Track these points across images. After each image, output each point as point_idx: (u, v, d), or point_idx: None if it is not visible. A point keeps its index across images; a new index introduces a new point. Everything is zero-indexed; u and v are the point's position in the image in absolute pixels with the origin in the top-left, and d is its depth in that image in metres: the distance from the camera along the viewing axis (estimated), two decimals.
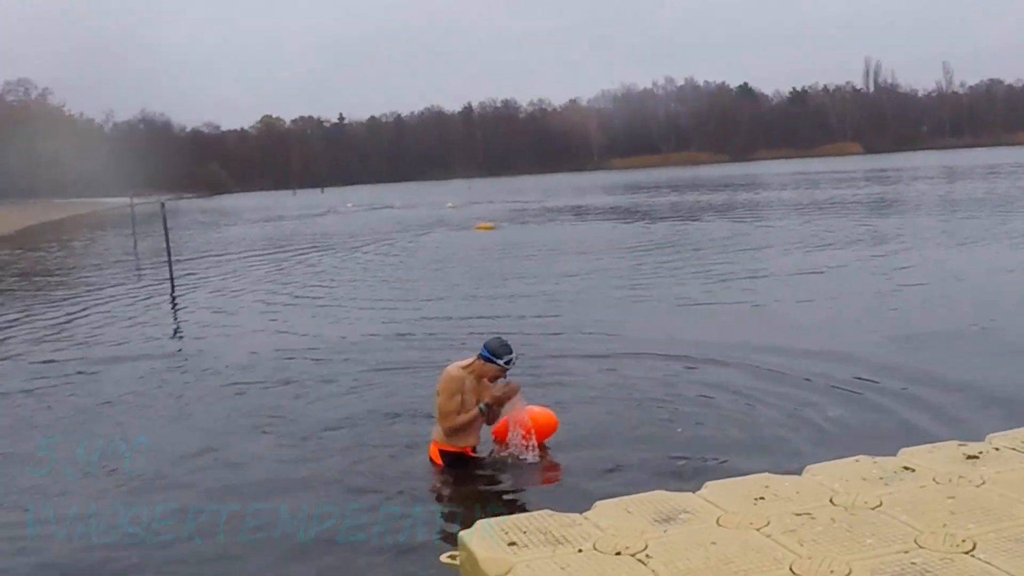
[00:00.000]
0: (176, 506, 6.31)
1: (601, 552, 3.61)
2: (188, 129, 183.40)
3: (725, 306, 14.18)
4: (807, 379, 9.00)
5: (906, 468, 4.26)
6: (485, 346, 6.67)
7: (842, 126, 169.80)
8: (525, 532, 3.82)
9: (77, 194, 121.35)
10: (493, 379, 6.66)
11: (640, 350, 10.77)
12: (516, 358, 6.69)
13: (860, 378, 8.92)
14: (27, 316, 16.83)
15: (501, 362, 6.57)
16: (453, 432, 6.60)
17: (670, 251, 22.27)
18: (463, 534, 3.88)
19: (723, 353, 10.30)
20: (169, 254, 18.16)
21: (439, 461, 6.69)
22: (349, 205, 65.63)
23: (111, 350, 12.69)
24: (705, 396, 8.58)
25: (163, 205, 19.27)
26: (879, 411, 7.84)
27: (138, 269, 24.52)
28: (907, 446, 4.61)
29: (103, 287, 20.74)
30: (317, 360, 11.16)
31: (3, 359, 12.49)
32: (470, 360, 6.71)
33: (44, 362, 11.99)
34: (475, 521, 3.99)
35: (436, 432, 6.77)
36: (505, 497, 6.35)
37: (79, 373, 11.06)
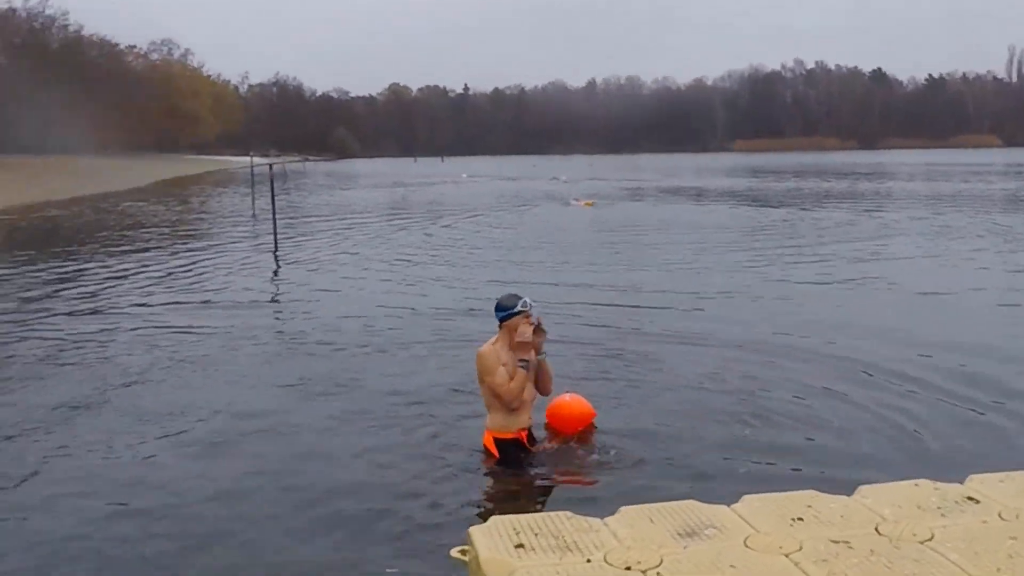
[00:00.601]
0: (208, 468, 6.31)
1: (610, 565, 3.32)
2: (319, 93, 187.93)
3: (829, 296, 13.46)
4: (904, 383, 8.36)
5: (970, 499, 3.80)
6: (496, 307, 6.31)
7: (980, 117, 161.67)
8: (537, 534, 3.56)
9: (213, 152, 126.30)
10: (519, 339, 6.23)
11: (729, 339, 10.25)
12: (530, 303, 6.25)
13: (960, 389, 8.22)
14: (140, 267, 17.44)
15: (516, 310, 6.17)
16: (508, 408, 6.22)
17: (775, 237, 21.38)
18: (473, 530, 3.66)
19: (819, 347, 9.72)
20: (274, 214, 18.50)
21: (495, 451, 6.33)
22: (464, 176, 66.10)
23: (200, 305, 13.00)
24: (788, 394, 8.00)
25: (271, 167, 19.70)
26: (970, 428, 7.17)
27: (252, 227, 25.10)
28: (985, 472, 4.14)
29: (212, 242, 21.40)
30: (399, 328, 11.10)
31: (107, 308, 12.91)
32: (499, 334, 6.30)
33: (130, 314, 12.35)
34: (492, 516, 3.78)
35: (489, 420, 6.42)
36: (535, 490, 6.07)
37: (166, 327, 11.30)
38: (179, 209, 34.14)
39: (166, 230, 24.96)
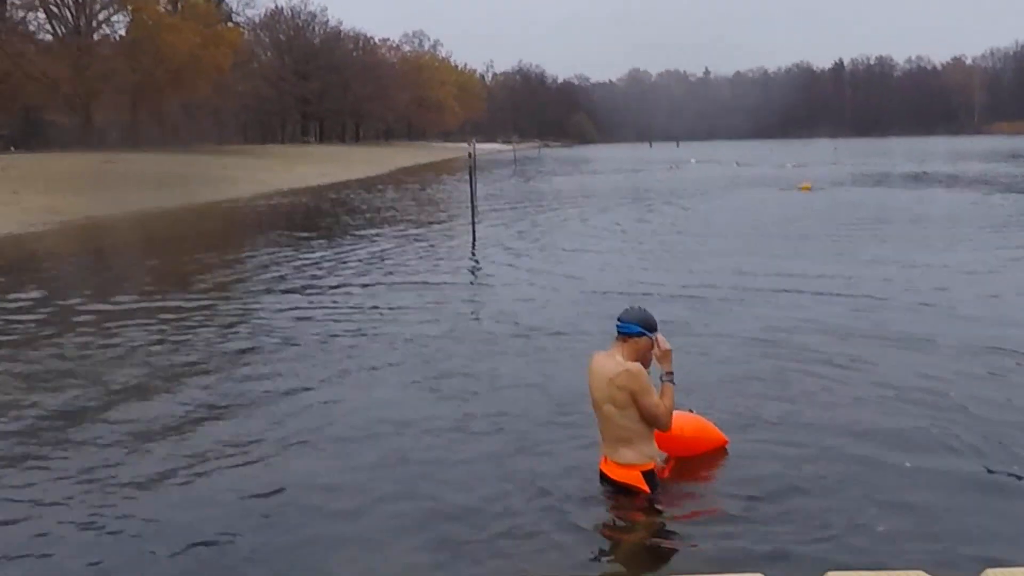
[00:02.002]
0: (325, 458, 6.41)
1: None
2: (560, 80, 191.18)
3: None
4: None
5: None
6: (633, 320, 5.43)
7: None
8: None
9: (458, 139, 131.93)
10: (647, 357, 5.49)
11: (972, 342, 9.04)
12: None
13: None
14: (350, 249, 19.08)
15: (654, 335, 5.45)
16: (660, 430, 5.48)
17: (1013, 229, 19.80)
18: None
19: None
20: (473, 197, 19.51)
21: (645, 486, 5.38)
22: (692, 161, 65.50)
23: (382, 288, 13.86)
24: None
25: (470, 155, 20.64)
26: None
27: (464, 213, 26.44)
28: None
29: (418, 227, 22.86)
30: (569, 317, 10.94)
31: (299, 287, 14.37)
32: (615, 349, 5.45)
33: (318, 294, 13.55)
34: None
35: (635, 452, 5.41)
36: (680, 540, 5.09)
37: (347, 309, 12.10)
38: (399, 196, 36.27)
39: (378, 216, 26.82)
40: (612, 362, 5.32)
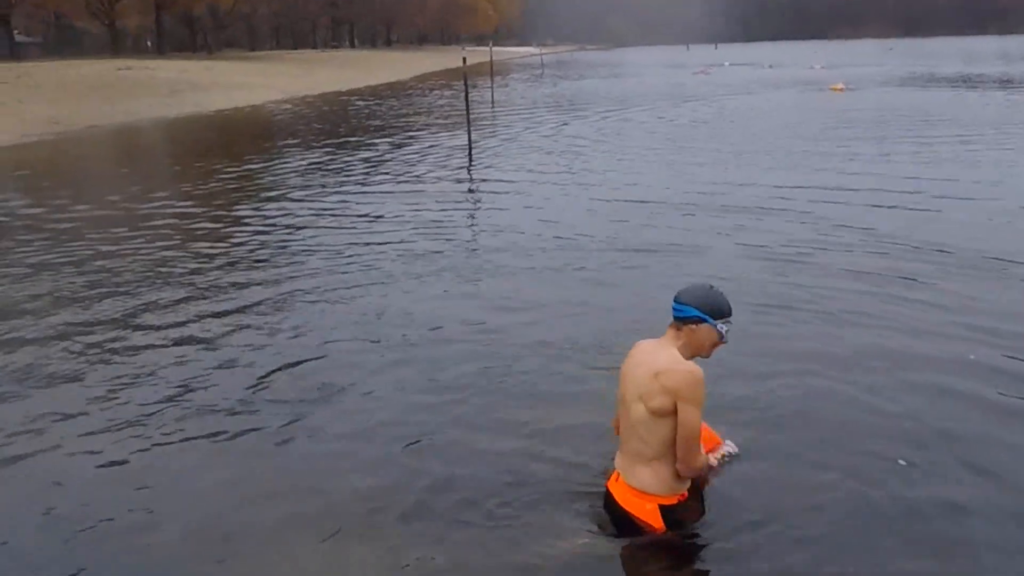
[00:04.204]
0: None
1: None
2: None
3: None
4: None
5: None
6: (690, 302, 4.02)
7: None
8: None
9: (495, 43, 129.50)
10: (707, 356, 4.11)
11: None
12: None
13: None
14: (329, 159, 18.64)
15: (719, 325, 4.02)
16: (693, 473, 4.12)
17: None
18: None
19: None
20: (468, 109, 18.89)
21: (661, 524, 4.05)
22: (726, 64, 63.63)
23: (365, 206, 13.67)
24: None
25: (464, 60, 19.88)
26: None
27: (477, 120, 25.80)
28: None
29: (413, 135, 22.33)
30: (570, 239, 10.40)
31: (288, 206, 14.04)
32: (668, 338, 4.08)
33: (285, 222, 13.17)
34: None
35: (656, 479, 4.06)
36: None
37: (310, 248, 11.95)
38: (409, 103, 35.53)
39: (376, 123, 26.26)
40: (665, 354, 3.96)
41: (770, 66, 57.38)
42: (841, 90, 32.76)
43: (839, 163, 15.28)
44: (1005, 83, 34.81)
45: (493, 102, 31.23)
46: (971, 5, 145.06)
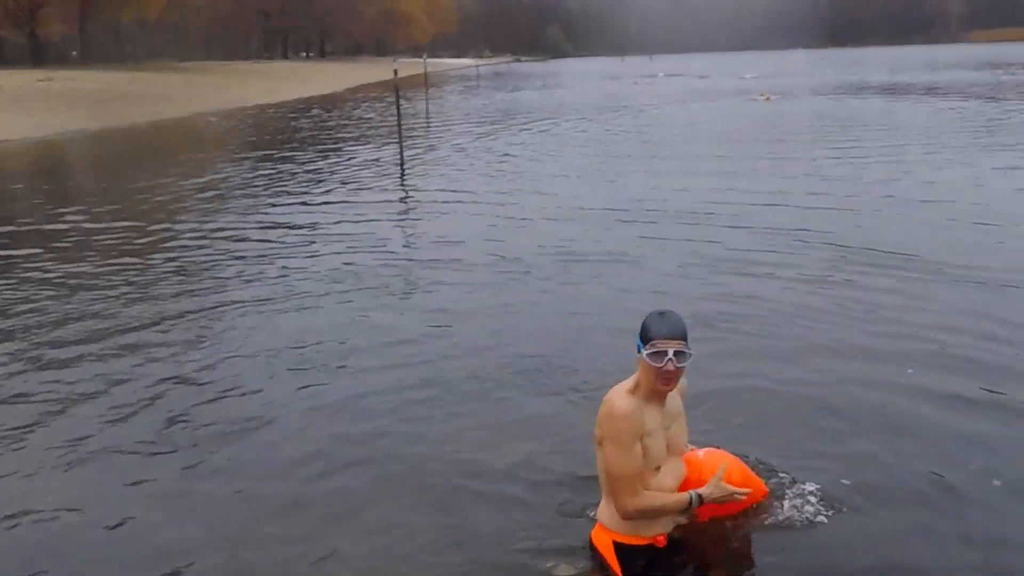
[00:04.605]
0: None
1: None
2: None
3: None
4: None
5: None
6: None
7: None
8: None
9: (429, 54, 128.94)
10: (657, 390, 3.64)
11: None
12: (687, 346, 3.57)
13: None
14: (252, 175, 18.12)
15: (644, 351, 3.58)
16: (639, 515, 3.68)
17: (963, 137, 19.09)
18: None
19: None
20: (399, 121, 18.57)
21: (614, 563, 3.72)
22: (660, 75, 64.15)
23: (289, 215, 13.25)
24: None
25: (395, 72, 19.56)
26: None
27: (405, 133, 25.44)
28: None
29: (347, 151, 21.87)
30: (501, 245, 10.30)
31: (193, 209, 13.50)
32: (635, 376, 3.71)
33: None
34: None
35: (603, 510, 3.83)
36: None
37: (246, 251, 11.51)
38: (342, 117, 34.97)
39: (312, 136, 25.74)
40: (617, 390, 3.70)
41: (701, 76, 58.03)
42: (770, 99, 33.14)
43: (769, 170, 15.30)
44: (931, 91, 35.50)
45: (428, 114, 30.88)
46: (897, 16, 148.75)
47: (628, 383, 3.66)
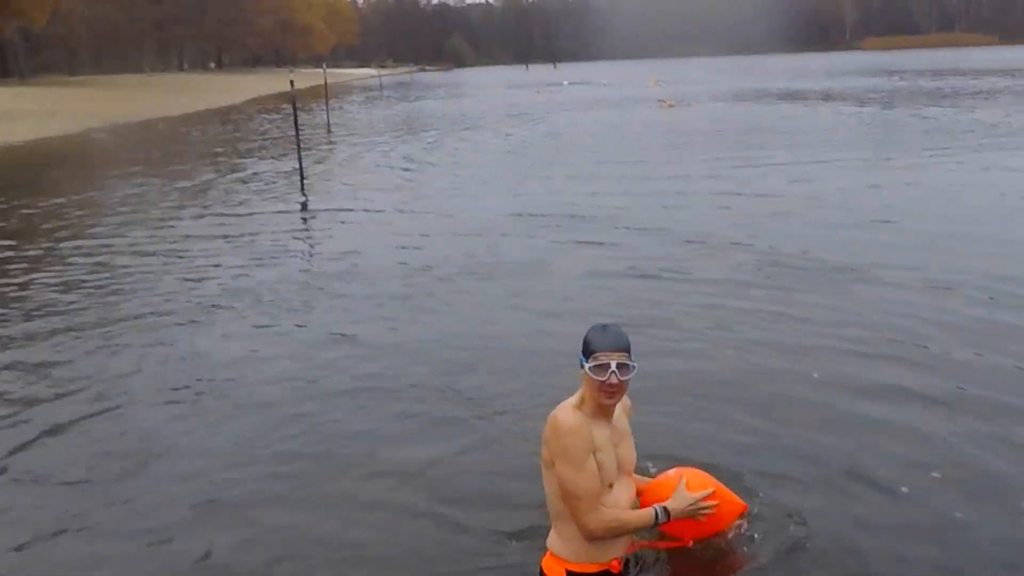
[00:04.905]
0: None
1: None
2: (435, 1, 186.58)
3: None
4: None
5: None
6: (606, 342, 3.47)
7: None
8: None
9: (331, 64, 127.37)
10: (602, 404, 3.48)
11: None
12: (630, 358, 3.44)
13: None
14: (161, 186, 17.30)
15: (587, 364, 3.44)
16: (604, 533, 3.50)
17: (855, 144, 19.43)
18: None
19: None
20: (297, 133, 17.88)
21: None
22: (565, 83, 64.38)
23: (186, 229, 12.69)
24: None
25: (292, 83, 18.87)
26: None
27: (321, 144, 24.77)
28: None
29: (238, 163, 21.16)
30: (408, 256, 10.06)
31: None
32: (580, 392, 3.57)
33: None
34: None
35: (554, 538, 3.64)
36: None
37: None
38: (239, 130, 34.02)
39: (208, 150, 24.89)
40: (563, 406, 3.53)
41: (605, 84, 58.58)
42: (673, 106, 33.44)
43: (673, 175, 15.34)
44: (829, 97, 36.35)
45: (329, 125, 30.17)
46: (796, 25, 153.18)
47: (573, 400, 3.54)
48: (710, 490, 3.63)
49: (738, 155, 17.76)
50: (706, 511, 3.60)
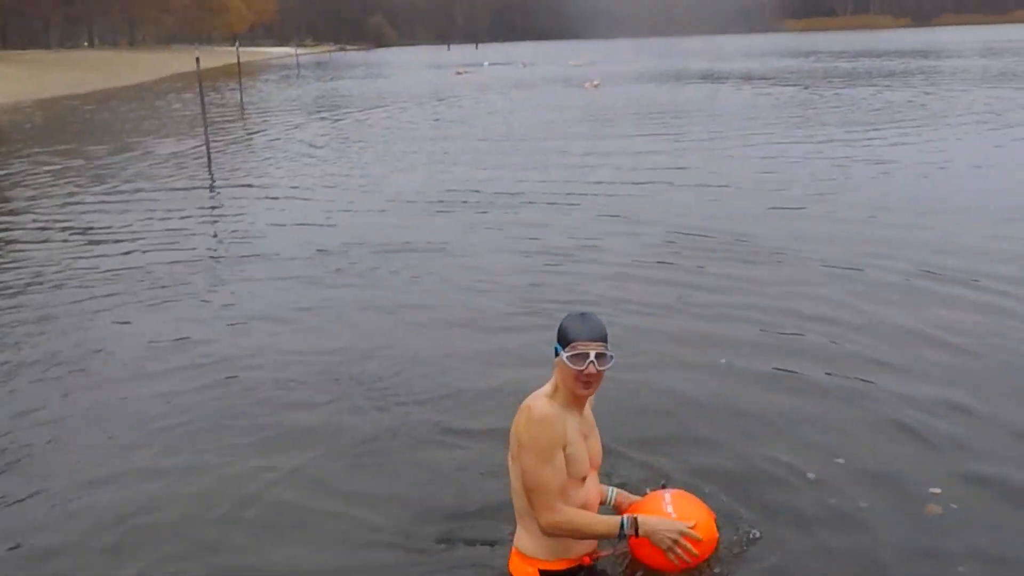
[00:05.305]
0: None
1: None
2: None
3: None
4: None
5: None
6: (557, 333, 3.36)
7: None
8: None
9: (249, 44, 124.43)
10: (578, 394, 3.33)
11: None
12: (607, 348, 3.29)
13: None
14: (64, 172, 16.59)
15: (564, 353, 3.27)
16: (557, 532, 3.31)
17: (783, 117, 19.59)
18: None
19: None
20: (204, 112, 17.32)
21: None
22: (485, 64, 63.97)
23: (91, 215, 12.11)
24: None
25: (198, 61, 18.20)
26: None
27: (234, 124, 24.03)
28: None
29: (143, 145, 20.46)
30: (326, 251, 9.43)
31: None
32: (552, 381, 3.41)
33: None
34: None
35: (521, 536, 3.45)
36: None
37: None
38: (149, 109, 32.95)
39: (115, 130, 24.01)
40: (540, 389, 3.39)
41: (525, 65, 58.40)
42: (596, 86, 33.43)
43: (594, 156, 15.20)
44: (750, 78, 36.70)
45: (242, 104, 29.39)
46: (717, 7, 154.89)
47: (546, 389, 3.38)
48: (691, 522, 3.32)
49: (659, 135, 17.73)
50: (680, 552, 3.26)
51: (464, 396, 5.24)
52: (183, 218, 11.03)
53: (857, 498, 4.03)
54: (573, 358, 3.23)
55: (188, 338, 6.39)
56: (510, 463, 3.35)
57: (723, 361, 5.66)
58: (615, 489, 3.68)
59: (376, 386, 5.42)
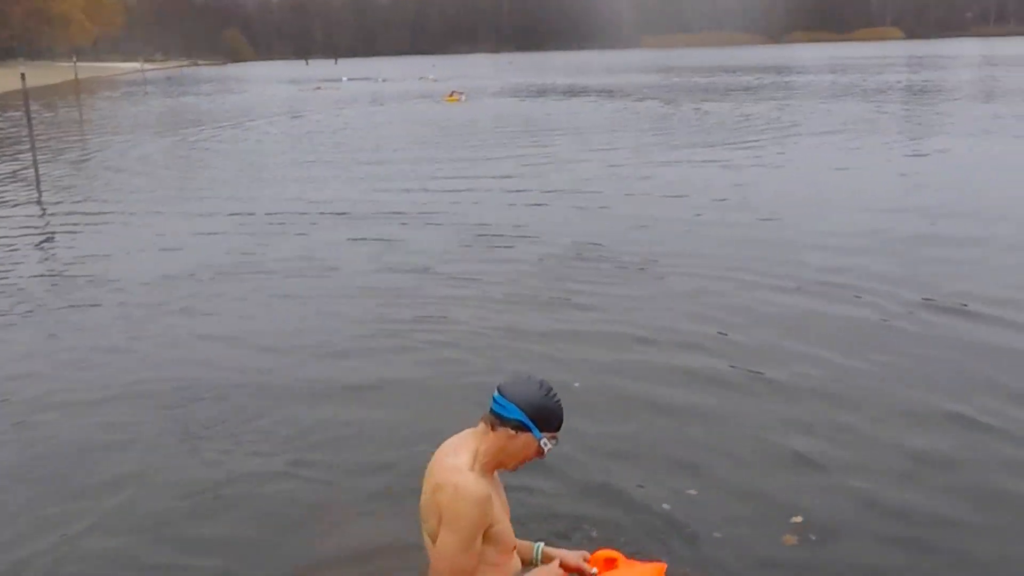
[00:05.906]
0: None
1: None
2: None
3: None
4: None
5: None
6: (515, 399, 3.00)
7: (883, 10, 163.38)
8: None
9: (93, 59, 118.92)
10: (511, 467, 3.11)
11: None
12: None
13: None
14: None
15: (542, 438, 3.03)
16: None
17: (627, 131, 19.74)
18: None
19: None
20: (31, 132, 16.13)
21: None
22: (344, 79, 63.04)
23: None
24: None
25: (23, 77, 16.97)
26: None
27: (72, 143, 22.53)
28: None
29: None
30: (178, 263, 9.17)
31: None
32: (476, 434, 3.08)
33: None
34: None
35: None
36: None
37: None
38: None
39: None
40: (452, 460, 2.99)
41: (384, 80, 58.02)
42: (457, 99, 33.32)
43: (455, 170, 14.94)
44: (610, 93, 37.17)
45: (81, 122, 27.73)
46: (575, 22, 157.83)
47: (464, 459, 2.99)
48: (594, 570, 3.09)
49: (522, 149, 17.64)
50: None
51: (314, 433, 4.77)
52: (10, 240, 10.10)
53: (712, 529, 3.78)
54: (548, 444, 3.04)
55: (17, 365, 5.81)
56: (428, 544, 2.99)
57: (576, 385, 5.33)
58: (541, 545, 3.26)
59: (213, 423, 4.90)
